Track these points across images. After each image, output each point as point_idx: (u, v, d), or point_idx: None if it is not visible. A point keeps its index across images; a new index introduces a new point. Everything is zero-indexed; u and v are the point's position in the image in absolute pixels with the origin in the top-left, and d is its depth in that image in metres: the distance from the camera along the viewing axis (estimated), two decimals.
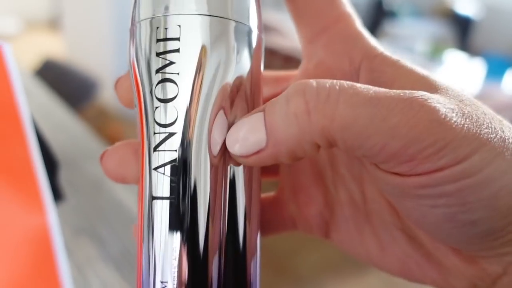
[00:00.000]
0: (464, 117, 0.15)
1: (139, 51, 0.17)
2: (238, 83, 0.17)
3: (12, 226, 0.26)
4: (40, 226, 0.27)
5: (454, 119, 0.14)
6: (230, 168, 0.17)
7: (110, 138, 1.33)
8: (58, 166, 0.39)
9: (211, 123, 0.17)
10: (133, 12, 0.18)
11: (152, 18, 0.17)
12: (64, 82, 1.27)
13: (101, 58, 2.09)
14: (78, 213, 0.46)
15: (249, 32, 0.18)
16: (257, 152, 0.16)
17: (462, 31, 2.63)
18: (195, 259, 0.17)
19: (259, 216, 0.19)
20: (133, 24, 0.18)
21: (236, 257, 0.18)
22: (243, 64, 0.18)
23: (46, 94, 0.77)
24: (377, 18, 2.77)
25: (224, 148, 0.17)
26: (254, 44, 0.18)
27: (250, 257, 0.18)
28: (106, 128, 1.51)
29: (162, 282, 0.17)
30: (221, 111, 0.17)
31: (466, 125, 0.15)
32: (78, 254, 0.40)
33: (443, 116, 0.14)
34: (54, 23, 3.30)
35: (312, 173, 0.22)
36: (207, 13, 0.17)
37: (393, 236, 0.20)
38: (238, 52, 0.17)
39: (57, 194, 0.38)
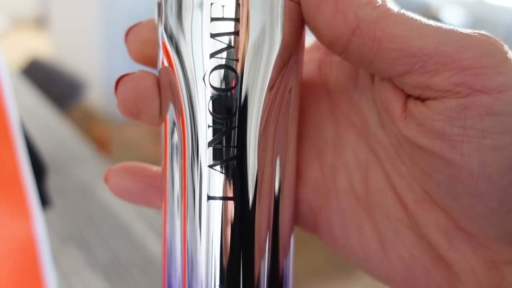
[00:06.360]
0: None
1: (181, 24, 0.15)
2: (295, 67, 0.17)
3: None
4: (27, 235, 0.26)
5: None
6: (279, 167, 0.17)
7: (96, 140, 1.31)
8: (47, 172, 0.38)
9: (275, 117, 0.16)
10: None
11: None
12: (50, 82, 1.25)
13: (88, 58, 2.07)
14: (65, 219, 0.44)
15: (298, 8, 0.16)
16: None
17: None
18: (251, 261, 0.16)
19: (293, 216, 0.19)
20: None
21: (275, 256, 0.17)
22: (296, 45, 0.16)
23: (32, 94, 0.75)
24: None
25: (286, 144, 0.17)
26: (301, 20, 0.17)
27: (285, 256, 0.18)
28: (92, 129, 1.49)
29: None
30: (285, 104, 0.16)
31: None
32: (65, 261, 0.39)
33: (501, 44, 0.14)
34: (41, 22, 3.26)
35: (310, 148, 0.20)
36: None
37: (399, 234, 0.18)
38: (292, 33, 0.16)
39: (44, 201, 0.37)
